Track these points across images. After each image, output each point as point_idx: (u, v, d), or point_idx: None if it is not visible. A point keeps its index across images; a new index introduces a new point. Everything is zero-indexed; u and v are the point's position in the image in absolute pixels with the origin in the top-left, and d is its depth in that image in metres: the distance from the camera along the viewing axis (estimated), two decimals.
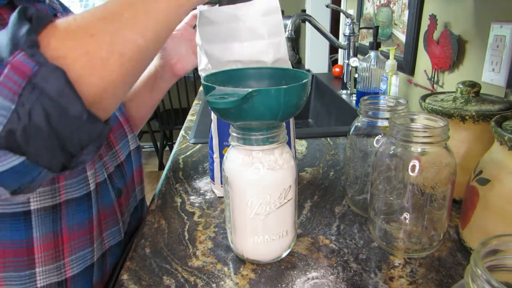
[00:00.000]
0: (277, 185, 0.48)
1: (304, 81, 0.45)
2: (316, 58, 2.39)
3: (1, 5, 0.48)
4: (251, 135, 0.46)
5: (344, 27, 1.42)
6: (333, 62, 2.17)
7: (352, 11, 1.43)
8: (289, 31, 1.22)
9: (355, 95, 1.35)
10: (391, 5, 1.32)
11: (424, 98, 0.67)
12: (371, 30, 1.44)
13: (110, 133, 0.60)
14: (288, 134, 0.65)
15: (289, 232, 0.52)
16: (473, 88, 0.63)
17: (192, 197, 0.70)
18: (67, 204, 0.52)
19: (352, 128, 0.62)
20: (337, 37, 1.88)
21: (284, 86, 0.43)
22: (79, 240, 0.54)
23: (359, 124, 0.61)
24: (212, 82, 0.48)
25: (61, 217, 0.51)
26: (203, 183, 0.76)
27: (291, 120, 0.68)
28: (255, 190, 0.47)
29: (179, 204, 0.68)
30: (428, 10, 1.08)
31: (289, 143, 0.66)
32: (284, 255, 0.53)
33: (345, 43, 1.42)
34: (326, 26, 2.22)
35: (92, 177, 0.55)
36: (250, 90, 0.41)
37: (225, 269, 0.52)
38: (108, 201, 0.60)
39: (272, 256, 0.52)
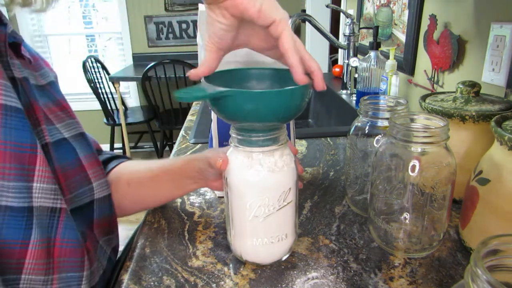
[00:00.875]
0: (277, 187, 0.47)
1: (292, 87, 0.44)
2: (316, 58, 2.39)
3: None
4: (251, 136, 0.46)
5: (344, 27, 1.42)
6: (333, 62, 2.17)
7: (352, 11, 1.43)
8: None
9: (355, 95, 1.35)
10: (391, 5, 1.32)
11: (424, 98, 0.67)
12: (371, 30, 1.44)
13: (60, 179, 0.52)
14: (288, 134, 0.65)
15: (288, 235, 0.51)
16: (473, 88, 0.63)
17: (192, 197, 0.71)
18: None
19: (352, 128, 0.62)
20: (337, 37, 1.88)
21: (259, 91, 0.43)
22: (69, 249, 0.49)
23: (359, 124, 0.61)
24: (213, 80, 0.47)
25: None
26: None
27: (291, 120, 0.68)
28: (254, 192, 0.47)
29: (179, 204, 0.68)
30: (428, 10, 1.08)
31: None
32: (284, 258, 0.53)
33: (345, 43, 1.42)
34: (326, 26, 2.22)
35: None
36: (222, 90, 0.42)
37: (225, 269, 0.52)
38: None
39: (271, 259, 0.52)
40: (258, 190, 0.47)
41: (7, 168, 0.43)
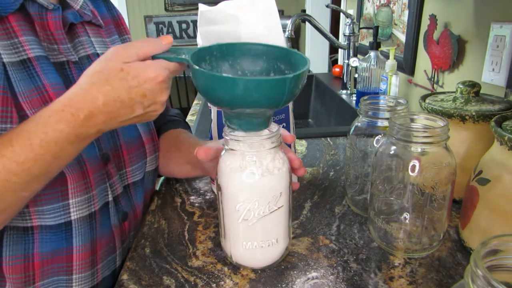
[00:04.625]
0: (267, 191, 0.46)
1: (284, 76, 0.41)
2: (316, 58, 2.39)
3: (11, 11, 0.47)
4: (243, 138, 0.45)
5: (344, 27, 1.42)
6: (333, 62, 2.17)
7: (352, 11, 1.43)
8: (289, 31, 1.22)
9: (355, 95, 1.35)
10: (391, 5, 1.32)
11: (424, 98, 0.67)
12: (371, 30, 1.44)
13: (124, 153, 0.59)
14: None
15: (280, 240, 0.50)
16: (473, 88, 0.63)
17: (192, 197, 0.70)
18: (40, 230, 0.50)
19: (352, 128, 0.62)
20: (337, 37, 1.88)
21: (229, 75, 0.43)
22: (52, 267, 0.52)
23: (359, 124, 0.61)
24: (205, 55, 0.47)
25: (33, 242, 0.50)
26: (203, 183, 0.76)
27: (291, 120, 0.68)
28: (243, 195, 0.46)
29: (179, 204, 0.68)
30: (428, 10, 1.08)
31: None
32: (274, 262, 0.51)
33: (345, 43, 1.42)
34: (326, 26, 2.22)
35: (78, 206, 0.52)
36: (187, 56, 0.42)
37: (225, 269, 0.52)
38: (106, 228, 0.57)
39: (262, 263, 0.51)
40: (247, 193, 0.46)
41: None
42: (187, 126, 0.78)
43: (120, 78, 0.41)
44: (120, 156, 0.59)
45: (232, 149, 0.46)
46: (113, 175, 0.58)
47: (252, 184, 0.46)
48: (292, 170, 0.51)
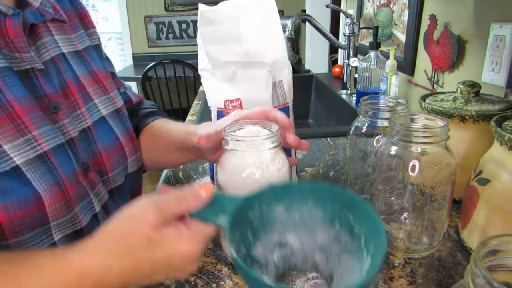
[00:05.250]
0: None
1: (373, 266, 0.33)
2: (316, 58, 2.39)
3: None
4: (243, 138, 0.45)
5: (344, 27, 1.42)
6: (333, 62, 2.17)
7: (352, 11, 1.43)
8: (289, 31, 1.22)
9: (355, 95, 1.35)
10: (391, 5, 1.32)
11: (424, 98, 0.67)
12: (371, 30, 1.44)
13: (104, 160, 0.55)
14: None
15: None
16: (473, 88, 0.63)
17: None
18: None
19: (352, 128, 0.62)
20: (337, 37, 1.88)
21: None
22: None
23: (359, 124, 0.61)
24: (253, 202, 0.39)
25: None
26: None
27: (291, 120, 0.68)
28: (244, 194, 0.46)
29: None
30: (428, 10, 1.08)
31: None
32: None
33: (345, 43, 1.42)
34: (326, 26, 2.22)
35: (60, 227, 0.47)
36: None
37: (225, 269, 0.52)
38: None
39: None
40: (247, 192, 0.46)
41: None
42: (164, 115, 0.74)
43: (145, 249, 0.35)
44: (100, 163, 0.56)
45: (232, 149, 0.46)
46: (97, 183, 0.54)
47: (252, 184, 0.45)
48: (289, 145, 0.50)
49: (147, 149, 0.68)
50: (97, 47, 0.64)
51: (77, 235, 0.49)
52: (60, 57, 0.54)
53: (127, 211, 0.37)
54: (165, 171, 0.82)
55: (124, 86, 0.71)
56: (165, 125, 0.69)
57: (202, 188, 0.38)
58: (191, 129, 0.61)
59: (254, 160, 0.46)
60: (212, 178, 0.71)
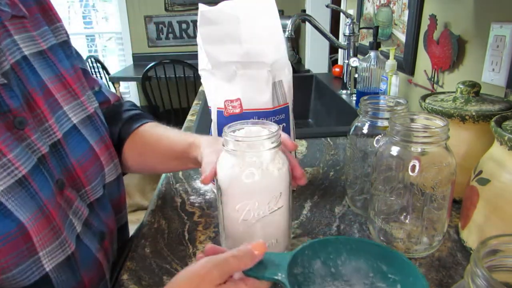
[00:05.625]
0: (267, 191, 0.46)
1: None
2: (316, 58, 2.39)
3: None
4: (243, 138, 0.45)
5: (344, 27, 1.42)
6: (333, 62, 2.17)
7: (352, 11, 1.43)
8: (289, 31, 1.22)
9: (355, 95, 1.35)
10: (391, 5, 1.32)
11: (424, 98, 0.67)
12: (371, 30, 1.44)
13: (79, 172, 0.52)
14: (288, 134, 0.65)
15: (280, 241, 0.49)
16: (473, 88, 0.63)
17: (192, 197, 0.70)
18: None
19: (352, 128, 0.62)
20: (337, 37, 1.88)
21: None
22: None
23: (359, 124, 0.61)
24: (297, 258, 0.42)
25: None
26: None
27: (291, 120, 0.68)
28: (243, 195, 0.46)
29: (179, 204, 0.68)
30: (428, 10, 1.08)
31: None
32: None
33: (345, 43, 1.42)
34: (326, 26, 2.22)
35: (50, 255, 0.45)
36: None
37: None
38: (89, 259, 0.51)
39: None
40: (246, 194, 0.46)
41: None
42: (150, 117, 0.71)
43: None
44: (75, 177, 0.51)
45: (232, 150, 0.46)
46: (74, 199, 0.50)
47: (252, 184, 0.46)
48: (293, 177, 0.50)
49: (137, 155, 0.65)
50: (65, 44, 0.58)
51: (69, 261, 0.47)
52: (21, 62, 0.48)
53: (191, 270, 0.37)
54: None
55: (98, 84, 0.66)
56: (159, 132, 0.66)
57: (256, 248, 0.39)
58: (194, 141, 0.59)
59: (254, 160, 0.46)
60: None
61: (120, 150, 0.65)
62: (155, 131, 0.66)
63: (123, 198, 0.65)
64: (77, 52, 0.63)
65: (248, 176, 0.45)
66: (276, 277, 0.39)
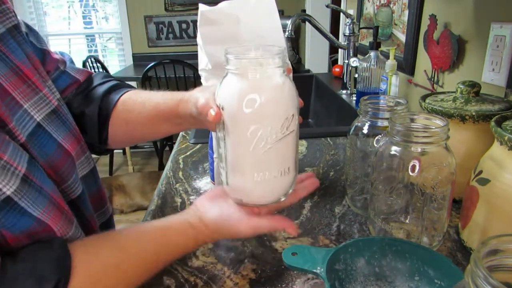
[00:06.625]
0: (279, 113, 0.42)
1: None
2: (316, 58, 2.39)
3: None
4: (245, 56, 0.42)
5: (344, 27, 1.42)
6: (333, 62, 2.17)
7: (352, 11, 1.43)
8: (289, 31, 1.22)
9: (355, 95, 1.35)
10: (391, 5, 1.32)
11: (424, 98, 0.67)
12: (371, 30, 1.44)
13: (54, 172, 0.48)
14: None
15: (291, 169, 0.46)
16: (473, 88, 0.63)
17: (192, 197, 0.70)
18: None
19: (352, 128, 0.62)
20: (337, 37, 1.88)
21: None
22: None
23: (359, 124, 0.61)
24: (339, 254, 0.43)
25: None
26: (203, 183, 0.76)
27: None
28: (254, 119, 0.42)
29: (179, 204, 0.68)
30: (428, 10, 1.08)
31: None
32: (283, 198, 0.48)
33: (345, 43, 1.42)
34: (326, 26, 2.22)
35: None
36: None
37: (225, 269, 0.52)
38: None
39: (273, 198, 0.47)
40: (257, 117, 0.42)
41: None
42: (128, 85, 0.65)
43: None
44: (50, 179, 0.47)
45: (236, 72, 0.42)
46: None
47: (264, 107, 0.42)
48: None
49: (125, 124, 0.60)
50: (15, 29, 0.49)
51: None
52: None
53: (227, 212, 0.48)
54: (165, 172, 0.82)
55: (63, 62, 0.59)
56: (143, 96, 0.60)
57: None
58: (182, 97, 0.54)
59: (265, 81, 0.42)
60: (212, 178, 0.71)
61: (106, 128, 0.60)
62: (139, 96, 0.61)
63: (103, 192, 0.61)
64: (33, 32, 0.54)
65: (258, 99, 0.41)
66: (315, 270, 0.40)
